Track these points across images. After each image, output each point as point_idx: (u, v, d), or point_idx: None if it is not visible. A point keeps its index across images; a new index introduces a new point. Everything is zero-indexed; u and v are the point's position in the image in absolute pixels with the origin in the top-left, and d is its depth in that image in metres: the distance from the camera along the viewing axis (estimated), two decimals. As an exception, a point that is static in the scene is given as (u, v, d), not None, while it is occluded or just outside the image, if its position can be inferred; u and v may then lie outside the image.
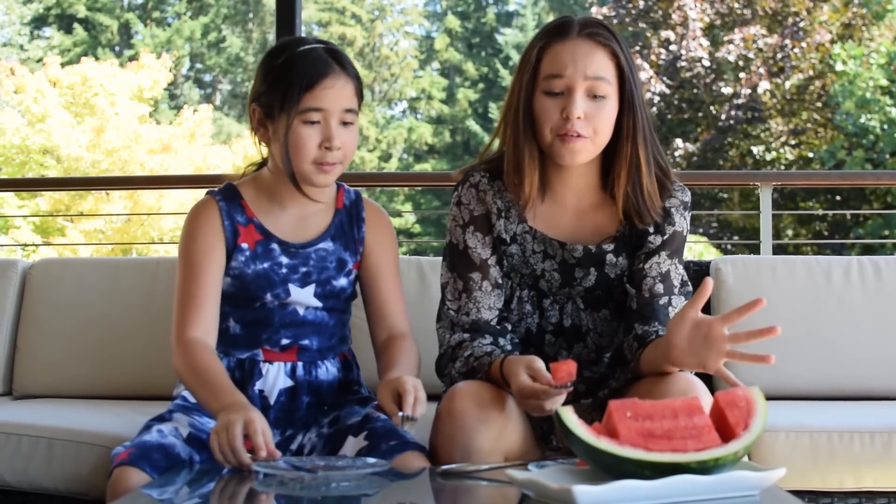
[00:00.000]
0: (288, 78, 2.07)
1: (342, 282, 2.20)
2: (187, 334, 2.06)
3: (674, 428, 1.49)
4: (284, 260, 2.16)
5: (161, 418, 2.06)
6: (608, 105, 2.07)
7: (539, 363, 1.92)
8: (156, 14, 21.73)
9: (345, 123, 2.10)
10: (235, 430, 1.81)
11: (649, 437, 1.47)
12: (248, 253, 2.14)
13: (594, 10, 16.16)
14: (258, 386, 2.14)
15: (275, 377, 2.15)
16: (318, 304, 2.17)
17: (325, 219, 2.22)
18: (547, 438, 2.16)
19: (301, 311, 2.17)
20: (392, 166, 20.88)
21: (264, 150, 2.21)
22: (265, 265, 2.14)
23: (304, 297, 2.16)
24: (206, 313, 2.09)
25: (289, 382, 2.16)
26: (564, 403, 1.89)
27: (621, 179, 2.11)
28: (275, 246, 2.16)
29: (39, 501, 2.34)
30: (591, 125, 2.06)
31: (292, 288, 2.15)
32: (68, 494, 2.31)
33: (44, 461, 2.32)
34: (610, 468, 1.47)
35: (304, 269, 2.16)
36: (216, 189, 2.21)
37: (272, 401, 2.14)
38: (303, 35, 4.13)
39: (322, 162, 2.08)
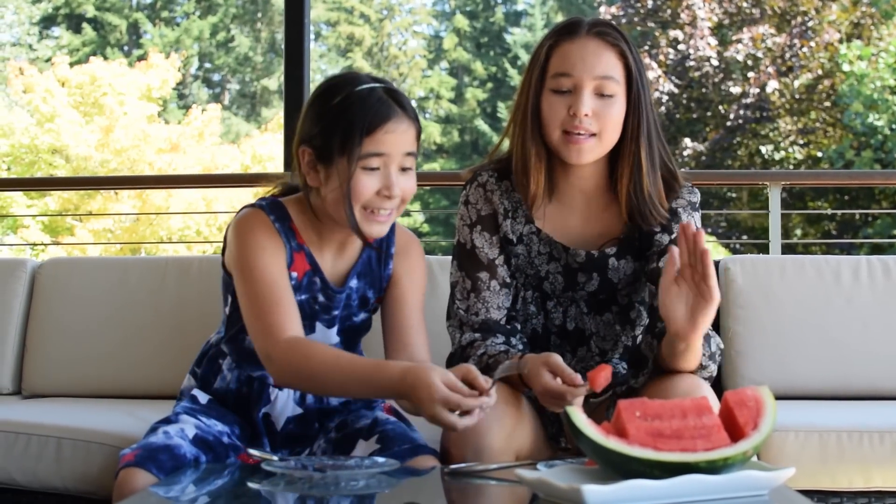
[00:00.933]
0: (347, 121, 1.93)
1: (362, 316, 2.15)
2: (283, 336, 1.92)
3: (683, 427, 1.49)
4: (321, 298, 2.07)
5: (167, 420, 2.03)
6: (616, 104, 2.07)
7: (557, 359, 1.91)
8: (164, 14, 21.73)
9: (404, 169, 1.97)
10: (455, 399, 1.74)
11: (658, 436, 1.47)
12: (293, 282, 2.03)
13: (602, 9, 16.13)
14: (265, 410, 2.09)
15: (283, 405, 2.09)
16: (338, 339, 2.12)
17: (354, 253, 2.12)
18: (556, 440, 2.16)
19: None
20: (400, 166, 20.83)
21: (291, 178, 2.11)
22: (303, 297, 2.05)
23: (326, 336, 2.10)
24: (295, 317, 1.96)
25: (297, 411, 2.10)
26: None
27: (623, 178, 2.11)
28: (317, 281, 2.07)
29: (49, 501, 2.34)
30: (599, 123, 2.05)
31: (318, 325, 2.09)
32: (77, 494, 2.31)
33: (53, 461, 2.32)
34: (619, 468, 1.47)
35: (334, 312, 2.10)
36: (263, 204, 2.06)
37: (279, 427, 2.10)
38: (310, 33, 4.12)
39: (377, 210, 1.96)
